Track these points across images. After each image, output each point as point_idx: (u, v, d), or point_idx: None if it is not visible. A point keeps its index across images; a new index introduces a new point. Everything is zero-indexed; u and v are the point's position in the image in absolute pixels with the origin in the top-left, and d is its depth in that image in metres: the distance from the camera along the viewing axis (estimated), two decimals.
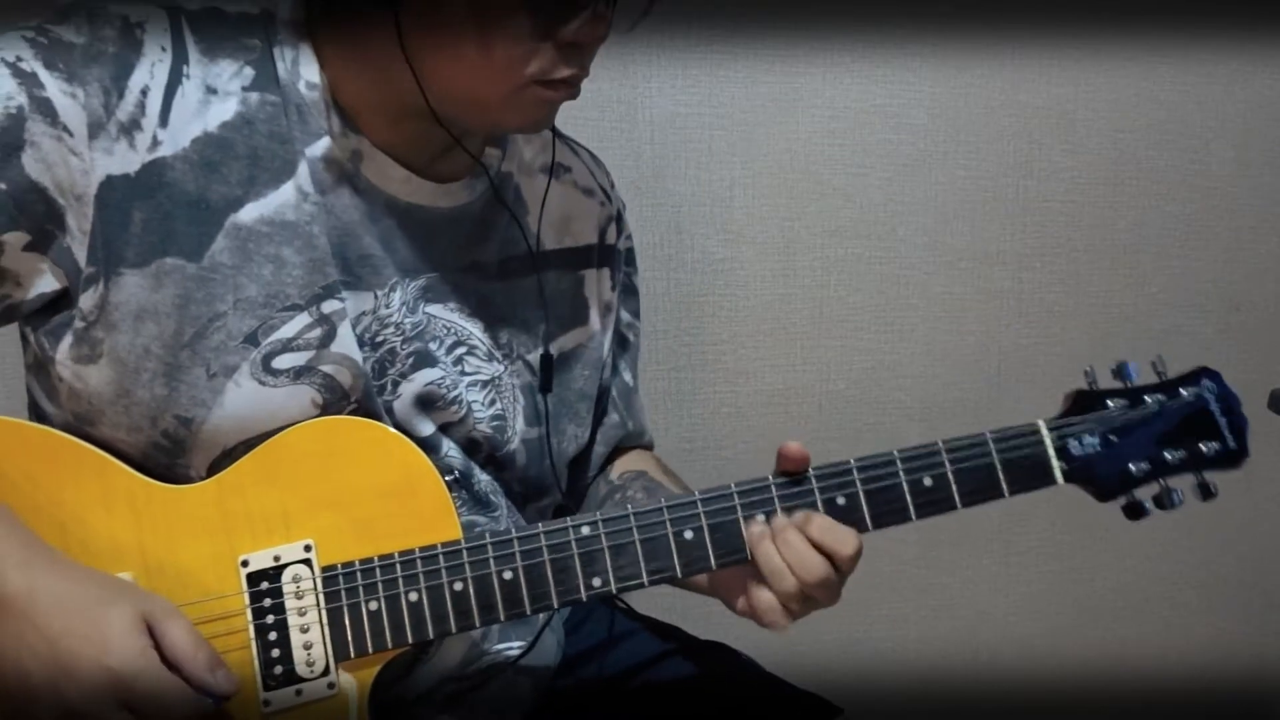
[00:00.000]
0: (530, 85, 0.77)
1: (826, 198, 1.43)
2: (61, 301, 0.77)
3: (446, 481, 0.81)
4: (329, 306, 0.80)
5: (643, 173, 1.37)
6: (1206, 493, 0.83)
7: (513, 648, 0.92)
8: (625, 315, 1.04)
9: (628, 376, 1.04)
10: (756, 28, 1.37)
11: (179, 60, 0.77)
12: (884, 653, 1.59)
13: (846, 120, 1.42)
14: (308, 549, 0.78)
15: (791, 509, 0.80)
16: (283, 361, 0.79)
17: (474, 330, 0.89)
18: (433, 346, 0.86)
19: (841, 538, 0.78)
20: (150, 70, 0.76)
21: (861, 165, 1.44)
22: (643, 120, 1.36)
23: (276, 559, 0.77)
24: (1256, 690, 1.73)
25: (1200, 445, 0.83)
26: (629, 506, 0.81)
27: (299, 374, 0.79)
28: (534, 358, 0.93)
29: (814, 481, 0.81)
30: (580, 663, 1.01)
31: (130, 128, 0.75)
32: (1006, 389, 1.52)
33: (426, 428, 0.87)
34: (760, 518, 0.80)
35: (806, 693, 0.97)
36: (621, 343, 1.03)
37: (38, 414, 0.84)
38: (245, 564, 0.77)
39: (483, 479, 0.90)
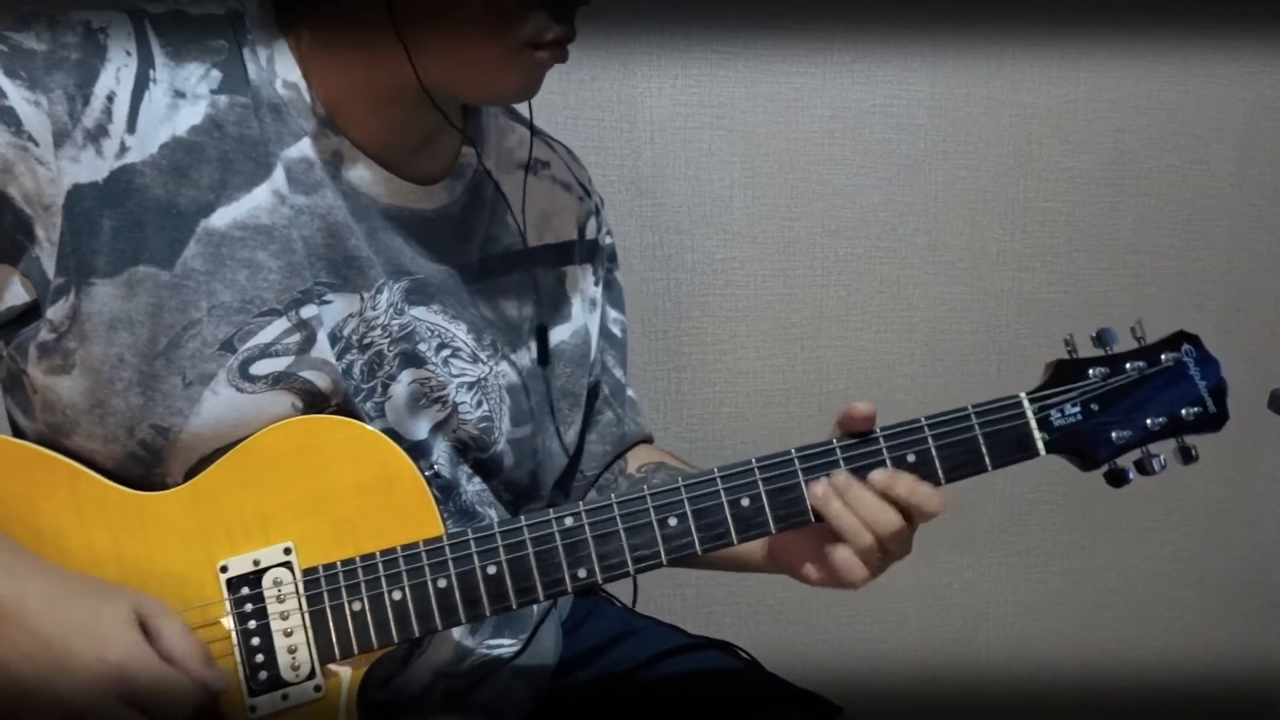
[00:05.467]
0: (523, 48, 0.78)
1: (826, 198, 1.43)
2: (32, 313, 0.76)
3: (426, 477, 0.80)
4: (307, 311, 0.79)
5: (643, 173, 1.37)
6: (1188, 456, 0.83)
7: (504, 645, 0.91)
8: (612, 311, 1.04)
9: (618, 373, 1.04)
10: (756, 28, 1.37)
11: (145, 65, 0.76)
12: (884, 653, 1.59)
13: (846, 120, 1.42)
14: (288, 551, 0.77)
15: (775, 490, 0.80)
16: (261, 367, 0.78)
17: (458, 332, 0.89)
18: (421, 348, 0.86)
19: (927, 497, 0.79)
20: (116, 76, 0.74)
21: (861, 165, 1.43)
22: (643, 120, 1.36)
23: (256, 563, 0.77)
24: (1256, 690, 1.73)
25: (1181, 410, 0.83)
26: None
27: (277, 380, 0.78)
28: (519, 356, 0.92)
29: (797, 464, 0.81)
30: (579, 663, 1.01)
31: (97, 135, 0.73)
32: (1006, 389, 1.52)
33: (420, 430, 0.86)
34: (823, 479, 0.80)
35: (806, 692, 0.97)
36: (610, 339, 1.03)
37: (15, 430, 0.83)
38: (224, 569, 0.77)
39: (469, 489, 0.90)
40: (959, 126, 1.45)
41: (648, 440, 1.08)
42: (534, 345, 0.93)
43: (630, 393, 1.06)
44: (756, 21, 1.36)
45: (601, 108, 1.34)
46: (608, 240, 1.03)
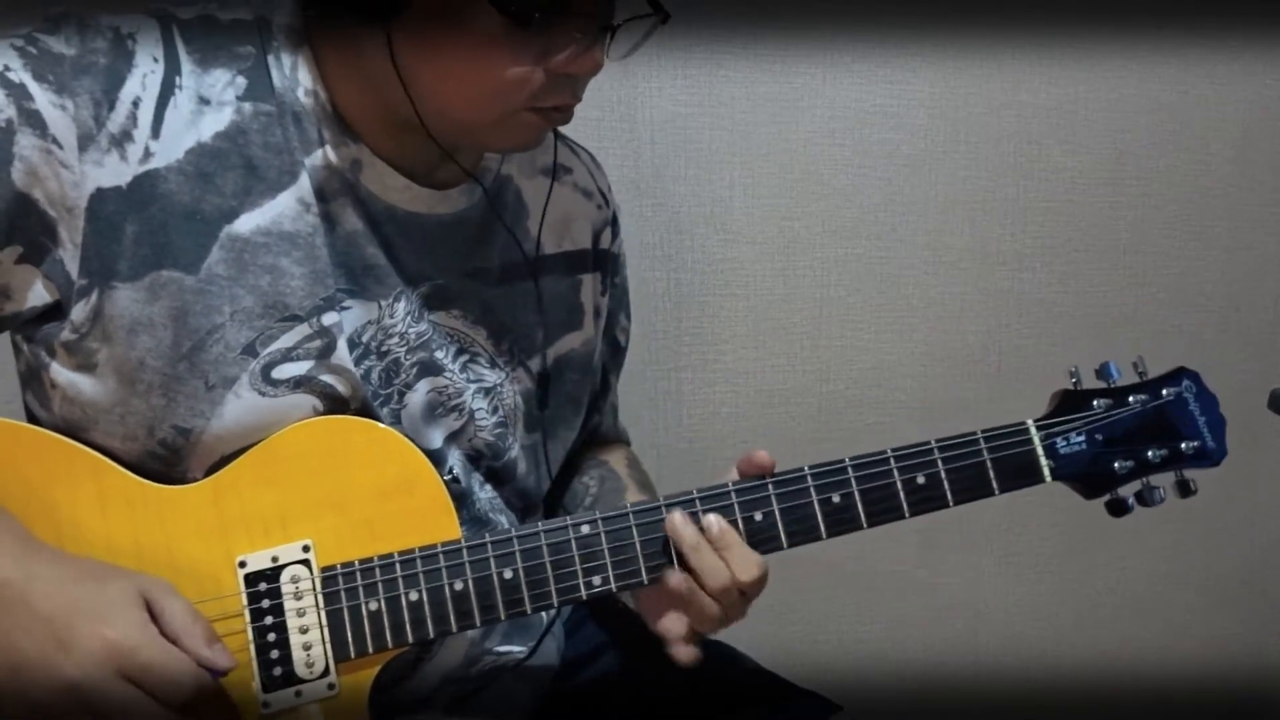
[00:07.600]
0: (521, 111, 0.77)
1: (826, 198, 1.43)
2: (55, 312, 0.76)
3: (445, 481, 0.81)
4: (329, 319, 0.80)
5: (643, 173, 1.37)
6: (1186, 490, 0.86)
7: (514, 651, 0.91)
8: (622, 319, 1.04)
9: (611, 379, 1.05)
10: (756, 28, 1.37)
11: (171, 71, 0.76)
12: (884, 653, 1.59)
13: (846, 120, 1.42)
14: (306, 549, 0.78)
15: (789, 505, 0.81)
16: (282, 371, 0.78)
17: (477, 337, 0.89)
18: (439, 355, 0.86)
19: (746, 563, 0.78)
20: (142, 82, 0.75)
21: (861, 165, 1.44)
22: (643, 120, 1.36)
23: (275, 560, 0.77)
24: (1256, 690, 1.73)
25: (1181, 444, 0.85)
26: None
27: (299, 383, 0.79)
28: (535, 363, 0.93)
29: (810, 480, 0.81)
30: (580, 664, 1.01)
31: (121, 140, 0.74)
32: (1006, 389, 1.52)
33: (435, 439, 0.86)
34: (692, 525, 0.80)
35: (806, 690, 0.97)
36: (613, 346, 1.04)
37: (33, 421, 0.83)
38: (243, 565, 0.77)
39: (483, 497, 0.90)
40: (959, 126, 1.45)
41: (624, 443, 1.09)
42: (540, 360, 0.93)
43: (613, 398, 1.07)
44: (756, 21, 1.36)
45: (601, 108, 1.34)
46: (620, 249, 1.03)
